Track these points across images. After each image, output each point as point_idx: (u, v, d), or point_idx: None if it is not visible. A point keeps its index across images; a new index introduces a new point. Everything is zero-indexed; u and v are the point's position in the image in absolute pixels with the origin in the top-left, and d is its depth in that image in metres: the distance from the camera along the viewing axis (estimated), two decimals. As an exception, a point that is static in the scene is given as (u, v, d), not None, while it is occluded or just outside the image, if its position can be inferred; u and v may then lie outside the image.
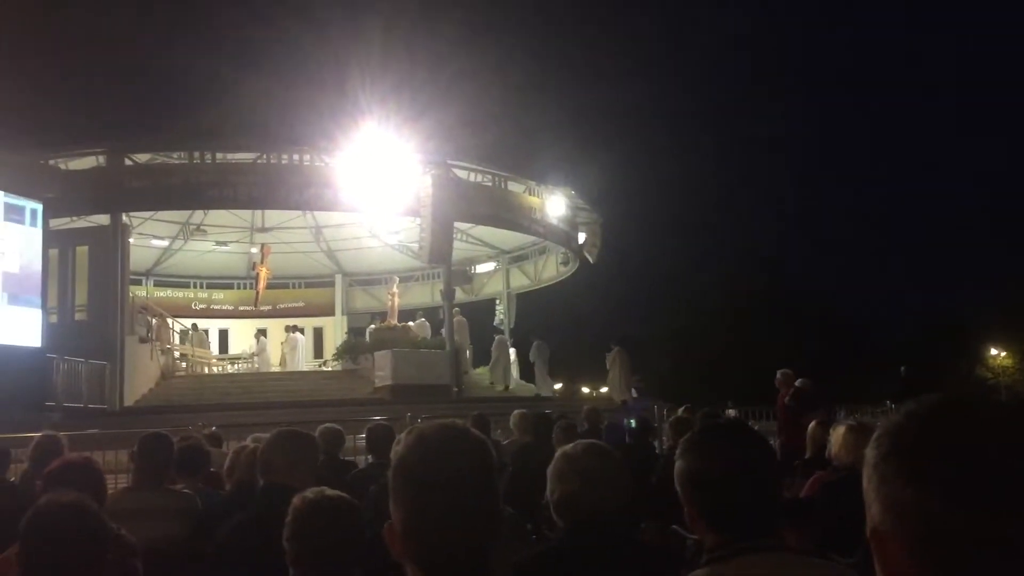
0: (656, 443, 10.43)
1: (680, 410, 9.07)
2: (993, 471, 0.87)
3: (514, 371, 24.64)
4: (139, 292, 24.73)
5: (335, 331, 28.24)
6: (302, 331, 26.60)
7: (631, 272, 48.69)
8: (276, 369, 24.82)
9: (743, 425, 2.30)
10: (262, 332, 26.27)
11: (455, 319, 23.11)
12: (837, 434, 4.81)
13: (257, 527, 3.23)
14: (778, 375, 12.12)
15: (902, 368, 16.71)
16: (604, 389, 26.22)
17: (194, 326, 25.35)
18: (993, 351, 52.05)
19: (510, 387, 23.07)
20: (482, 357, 24.63)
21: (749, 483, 1.93)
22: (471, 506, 1.52)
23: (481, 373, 24.17)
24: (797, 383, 11.75)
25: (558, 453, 2.86)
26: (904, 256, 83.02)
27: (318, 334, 28.87)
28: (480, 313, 28.23)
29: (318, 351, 28.13)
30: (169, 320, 22.94)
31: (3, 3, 29.45)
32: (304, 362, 25.83)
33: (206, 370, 24.38)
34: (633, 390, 21.02)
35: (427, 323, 23.72)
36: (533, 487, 4.14)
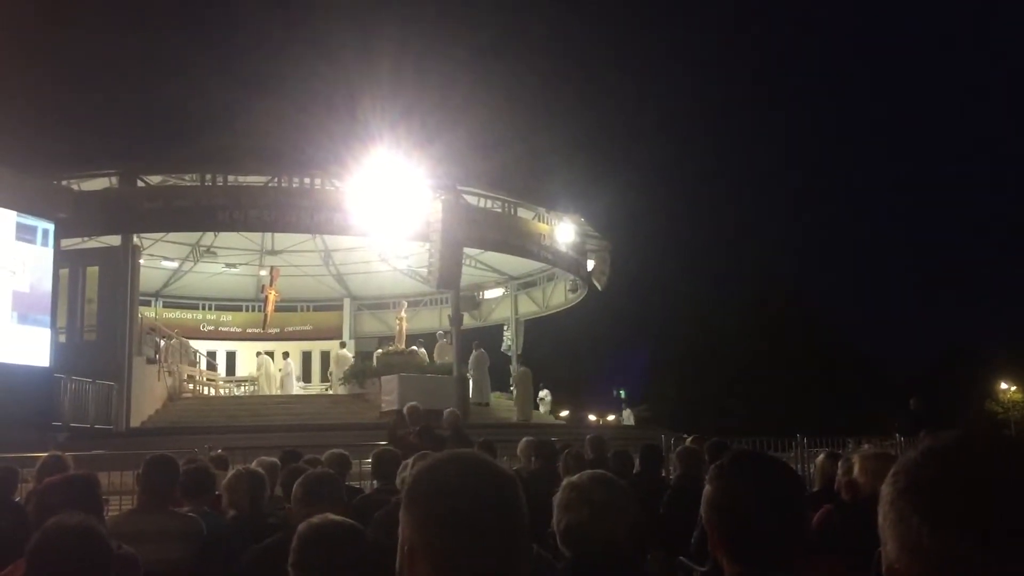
0: (664, 472, 10.35)
1: (688, 440, 8.98)
2: (1010, 510, 0.87)
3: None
4: (148, 313, 24.80)
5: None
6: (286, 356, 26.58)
7: (640, 299, 48.61)
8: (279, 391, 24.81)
9: (777, 458, 2.24)
10: (269, 354, 26.33)
11: (474, 352, 22.96)
12: (860, 461, 4.74)
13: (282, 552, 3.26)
14: (404, 409, 12.52)
15: (911, 400, 16.56)
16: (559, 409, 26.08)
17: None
18: (1003, 385, 51.76)
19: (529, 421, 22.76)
20: (495, 385, 24.61)
21: (777, 516, 1.87)
22: (499, 542, 1.38)
23: (498, 398, 24.10)
24: (445, 413, 12.34)
25: (565, 483, 2.83)
26: (918, 289, 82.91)
27: (325, 357, 28.87)
28: (488, 339, 28.23)
29: (325, 375, 28.12)
30: (177, 341, 22.93)
31: (19, 28, 29.82)
32: (296, 388, 25.84)
33: (211, 392, 24.38)
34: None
35: (423, 350, 23.12)
36: (538, 515, 4.10)
